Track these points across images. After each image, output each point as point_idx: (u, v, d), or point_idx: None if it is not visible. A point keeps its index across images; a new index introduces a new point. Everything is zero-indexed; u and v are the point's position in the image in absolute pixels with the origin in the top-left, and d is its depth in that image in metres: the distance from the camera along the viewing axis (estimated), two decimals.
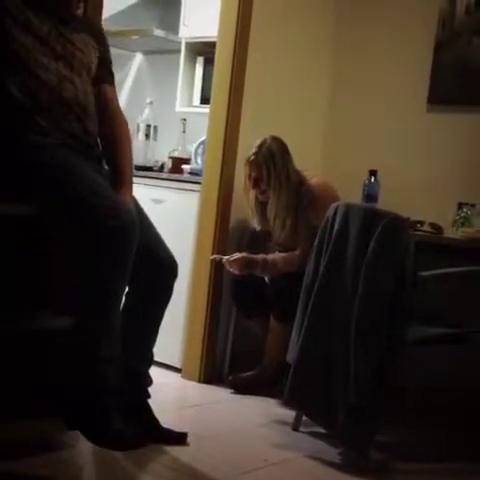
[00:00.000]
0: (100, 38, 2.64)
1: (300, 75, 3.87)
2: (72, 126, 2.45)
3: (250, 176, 3.40)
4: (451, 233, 3.25)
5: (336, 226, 2.78)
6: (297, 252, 3.31)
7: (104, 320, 2.34)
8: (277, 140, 3.38)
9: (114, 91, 2.69)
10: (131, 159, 2.65)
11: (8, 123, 2.38)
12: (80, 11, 2.58)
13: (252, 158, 3.37)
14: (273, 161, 3.34)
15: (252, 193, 3.43)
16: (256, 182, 3.38)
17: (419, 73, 3.67)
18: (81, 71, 2.51)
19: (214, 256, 3.46)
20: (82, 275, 2.32)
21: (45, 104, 2.40)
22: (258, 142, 3.37)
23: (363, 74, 3.88)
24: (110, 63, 2.69)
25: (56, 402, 2.42)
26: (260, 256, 3.36)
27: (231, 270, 3.37)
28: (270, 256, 3.37)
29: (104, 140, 2.59)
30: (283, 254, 3.37)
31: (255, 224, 3.52)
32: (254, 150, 3.36)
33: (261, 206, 3.44)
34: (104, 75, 2.63)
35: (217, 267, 3.55)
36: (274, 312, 3.38)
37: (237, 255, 3.37)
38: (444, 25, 3.62)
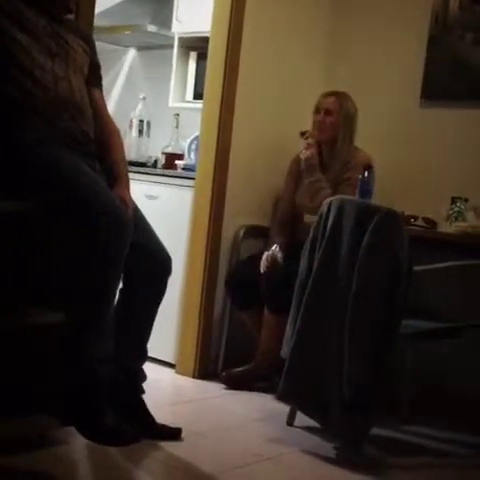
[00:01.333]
0: (89, 42, 2.64)
1: (294, 70, 3.86)
2: (67, 125, 2.44)
3: (319, 109, 3.47)
4: (445, 228, 3.25)
5: (330, 221, 2.78)
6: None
7: (98, 316, 2.34)
8: None
9: (102, 96, 2.70)
10: (124, 159, 2.66)
11: (3, 122, 2.37)
12: (71, 15, 2.58)
13: (335, 91, 3.48)
14: (355, 110, 3.48)
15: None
16: (328, 113, 3.44)
17: (413, 68, 3.68)
18: (76, 70, 2.51)
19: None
20: (76, 271, 2.31)
21: (40, 103, 2.39)
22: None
23: (356, 70, 3.88)
24: (99, 67, 2.69)
25: (51, 398, 2.42)
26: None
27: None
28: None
29: (96, 142, 2.59)
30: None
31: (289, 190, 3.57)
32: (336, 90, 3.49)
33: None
34: (93, 79, 2.63)
35: (211, 262, 3.56)
36: (268, 304, 3.37)
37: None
38: (437, 20, 3.62)
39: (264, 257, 3.41)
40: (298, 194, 3.57)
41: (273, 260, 3.39)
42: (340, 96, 3.48)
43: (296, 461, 2.67)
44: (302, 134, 3.48)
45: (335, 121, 3.45)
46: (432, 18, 3.63)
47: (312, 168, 3.43)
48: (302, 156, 3.46)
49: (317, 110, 3.50)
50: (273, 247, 3.43)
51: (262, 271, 3.39)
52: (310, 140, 3.45)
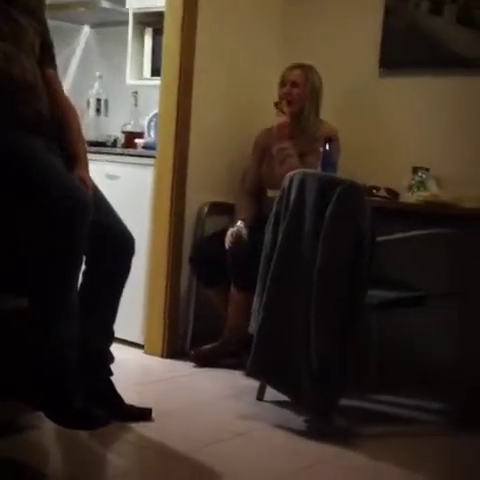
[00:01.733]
0: (40, 20, 2.58)
1: (251, 43, 3.83)
2: (22, 107, 2.39)
3: (285, 81, 3.47)
4: (407, 198, 3.26)
5: (293, 195, 2.77)
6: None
7: (61, 299, 2.31)
8: None
9: (57, 75, 2.64)
10: (83, 139, 2.62)
11: None
12: None
13: (301, 64, 3.49)
14: (320, 82, 3.50)
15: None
16: (295, 85, 3.45)
17: (370, 39, 3.66)
18: (27, 50, 2.45)
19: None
20: (37, 255, 2.28)
21: None
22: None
23: (313, 40, 3.85)
24: (52, 46, 2.63)
25: (18, 384, 2.39)
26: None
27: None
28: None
29: (53, 122, 2.54)
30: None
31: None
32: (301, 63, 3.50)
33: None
34: (47, 59, 2.58)
35: (175, 241, 3.54)
36: (234, 281, 3.37)
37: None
38: None
39: (229, 233, 3.40)
40: (264, 167, 3.56)
41: (238, 236, 3.38)
42: (306, 68, 3.49)
43: (268, 436, 2.68)
44: (276, 104, 3.47)
45: (301, 93, 3.46)
46: None
47: (283, 135, 3.42)
48: (277, 121, 3.44)
49: (283, 83, 3.50)
50: (238, 223, 3.43)
51: (227, 247, 3.38)
52: (285, 108, 3.44)
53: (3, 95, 2.35)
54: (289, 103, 3.46)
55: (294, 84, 3.47)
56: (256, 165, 3.61)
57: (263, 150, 3.57)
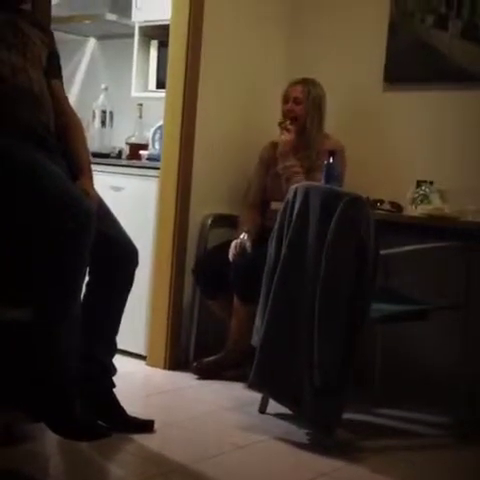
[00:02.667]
0: (47, 32, 2.60)
1: (256, 57, 3.85)
2: (27, 117, 2.40)
3: (288, 98, 3.47)
4: (410, 211, 3.27)
5: (296, 208, 2.78)
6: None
7: (63, 310, 2.31)
8: None
9: (62, 86, 2.66)
10: (87, 150, 2.63)
11: None
12: (28, 6, 2.54)
13: (302, 79, 3.48)
14: (322, 96, 3.49)
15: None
16: (297, 102, 3.45)
17: (375, 52, 3.68)
18: (34, 61, 2.47)
19: None
20: (40, 266, 2.28)
21: None
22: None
23: (318, 54, 3.87)
24: (58, 57, 2.65)
25: (19, 394, 2.39)
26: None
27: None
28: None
29: (57, 134, 2.55)
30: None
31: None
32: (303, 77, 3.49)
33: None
34: (53, 70, 2.59)
35: (179, 252, 3.54)
36: (237, 292, 3.37)
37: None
38: (397, 4, 3.63)
39: (233, 245, 3.41)
40: (268, 180, 3.56)
41: (241, 248, 3.38)
42: (307, 83, 3.48)
43: (269, 449, 2.67)
44: (280, 123, 3.46)
45: (304, 109, 3.45)
46: (392, 2, 3.63)
47: (287, 153, 3.42)
48: (281, 139, 3.44)
49: (286, 99, 3.49)
50: (241, 235, 3.43)
51: (231, 259, 3.38)
52: (289, 126, 3.43)
53: (8, 104, 2.37)
54: (293, 120, 3.45)
55: (296, 100, 3.46)
56: (260, 178, 3.61)
57: (268, 163, 3.57)
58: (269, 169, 3.57)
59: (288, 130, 3.43)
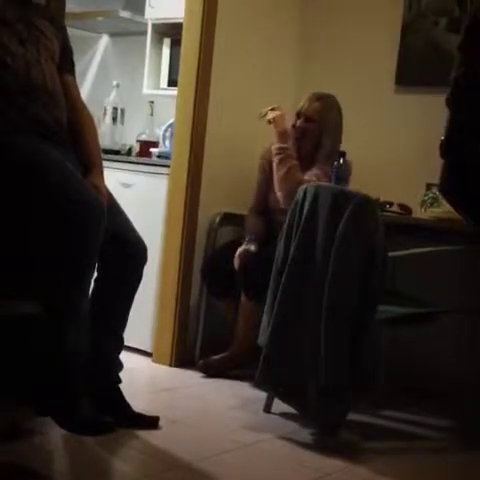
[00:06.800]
0: (60, 27, 2.61)
1: (269, 53, 3.85)
2: (39, 112, 2.41)
3: (301, 114, 3.40)
4: (420, 214, 3.26)
5: (306, 208, 2.78)
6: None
7: (72, 305, 2.32)
8: None
9: (75, 81, 2.66)
10: (98, 146, 2.64)
11: None
12: (42, 0, 2.54)
13: (321, 95, 3.40)
14: (339, 114, 3.42)
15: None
16: (309, 120, 3.38)
17: (387, 54, 3.68)
18: (47, 56, 2.48)
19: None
20: (50, 260, 2.29)
21: (12, 90, 2.36)
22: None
23: (330, 57, 3.87)
24: (71, 53, 2.66)
25: (26, 389, 2.40)
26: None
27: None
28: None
29: (69, 129, 2.56)
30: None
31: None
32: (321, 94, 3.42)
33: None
34: (66, 65, 2.60)
35: (187, 250, 3.55)
36: (244, 289, 3.36)
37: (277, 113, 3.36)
38: (411, 6, 3.62)
39: (237, 255, 3.38)
40: (271, 193, 3.46)
41: (246, 258, 3.36)
42: (325, 102, 3.40)
43: (274, 448, 2.67)
44: (262, 116, 3.40)
45: (316, 128, 3.39)
46: (405, 4, 3.63)
47: (286, 134, 3.36)
48: (270, 119, 3.38)
49: (298, 115, 3.44)
50: (244, 244, 3.41)
51: (236, 268, 3.37)
52: (270, 111, 3.37)
53: (21, 99, 2.37)
54: (302, 136, 3.40)
55: (309, 119, 3.39)
56: (262, 186, 3.55)
57: (269, 168, 3.47)
58: (270, 175, 3.45)
59: (270, 121, 3.36)
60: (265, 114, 3.39)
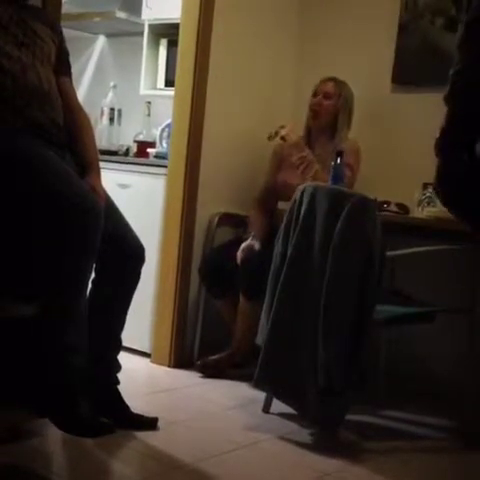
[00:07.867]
0: (56, 29, 2.61)
1: (266, 54, 3.85)
2: (36, 114, 2.41)
3: (318, 92, 3.48)
4: (417, 213, 3.27)
5: (303, 207, 2.78)
6: None
7: (70, 306, 2.32)
8: None
9: (72, 83, 2.66)
10: (95, 147, 2.64)
11: None
12: (38, 2, 2.54)
13: (334, 77, 3.50)
14: (352, 96, 3.51)
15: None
16: (327, 96, 3.46)
17: (383, 54, 3.68)
18: (43, 59, 2.48)
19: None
20: (47, 261, 2.29)
21: (9, 92, 2.36)
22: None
23: (328, 56, 3.87)
24: (67, 55, 2.65)
25: (24, 390, 2.40)
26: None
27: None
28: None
29: (66, 130, 2.56)
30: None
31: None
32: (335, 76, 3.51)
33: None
34: (62, 67, 2.60)
35: (185, 250, 3.55)
36: (243, 288, 3.36)
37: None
38: (407, 5, 3.63)
39: (241, 248, 3.39)
40: (279, 177, 3.53)
41: (250, 251, 3.37)
42: (338, 82, 3.51)
43: (273, 448, 2.67)
44: (269, 138, 3.45)
45: (333, 105, 3.47)
46: (402, 4, 3.63)
47: (300, 144, 3.42)
48: (289, 142, 3.43)
49: (315, 93, 3.52)
50: (249, 239, 3.42)
51: (239, 262, 3.37)
52: (282, 133, 3.41)
53: (18, 102, 2.37)
54: (315, 114, 3.48)
55: (327, 95, 3.48)
56: (272, 175, 3.59)
57: (280, 160, 3.55)
58: (281, 165, 3.55)
59: (283, 138, 3.42)
60: (275, 134, 3.44)
